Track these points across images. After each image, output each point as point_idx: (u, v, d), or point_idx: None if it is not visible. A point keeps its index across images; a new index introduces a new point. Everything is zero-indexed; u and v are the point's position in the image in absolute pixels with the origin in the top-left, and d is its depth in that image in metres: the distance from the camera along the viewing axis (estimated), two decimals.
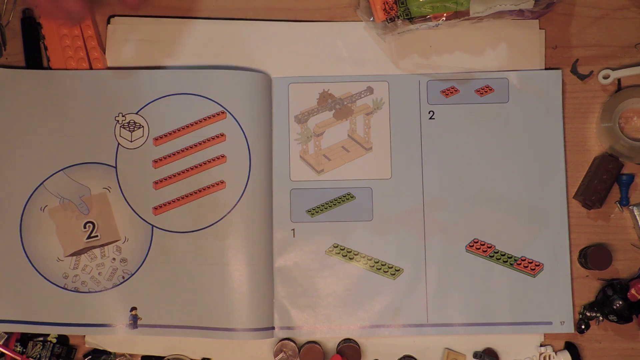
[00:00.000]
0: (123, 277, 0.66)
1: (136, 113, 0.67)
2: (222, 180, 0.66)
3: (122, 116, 0.67)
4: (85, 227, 0.66)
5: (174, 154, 0.66)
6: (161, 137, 0.67)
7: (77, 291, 0.66)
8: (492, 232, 0.67)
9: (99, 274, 0.66)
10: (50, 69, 0.68)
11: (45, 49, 0.68)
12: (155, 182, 0.66)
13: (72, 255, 0.66)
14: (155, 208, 0.66)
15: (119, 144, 0.66)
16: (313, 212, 0.67)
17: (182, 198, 0.66)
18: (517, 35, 0.68)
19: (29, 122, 0.67)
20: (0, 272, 0.66)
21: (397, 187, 0.67)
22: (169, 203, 0.66)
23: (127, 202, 0.66)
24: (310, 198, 0.67)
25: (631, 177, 0.67)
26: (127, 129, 0.67)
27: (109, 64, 0.69)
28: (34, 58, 0.69)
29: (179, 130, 0.67)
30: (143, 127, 0.67)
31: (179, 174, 0.66)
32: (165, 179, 0.66)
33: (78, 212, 0.67)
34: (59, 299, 0.66)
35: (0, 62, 0.70)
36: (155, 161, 0.67)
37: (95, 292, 0.66)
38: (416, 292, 0.66)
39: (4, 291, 0.66)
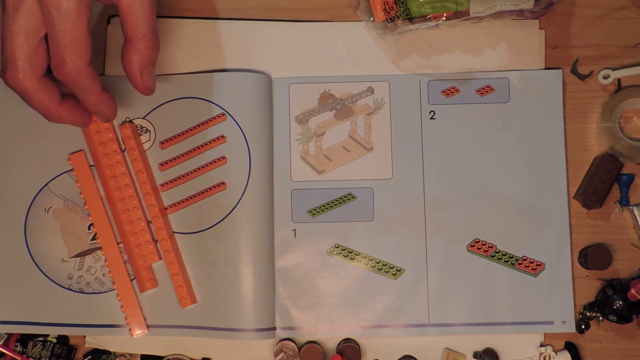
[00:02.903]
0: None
1: (143, 118, 0.68)
2: (223, 181, 0.67)
3: (129, 121, 0.69)
4: (89, 229, 0.68)
5: (178, 157, 0.68)
6: (167, 141, 0.68)
7: (82, 292, 0.67)
8: (493, 232, 0.68)
9: (103, 275, 0.68)
10: None
11: None
12: (161, 185, 0.68)
13: (76, 256, 0.68)
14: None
15: (125, 147, 0.68)
16: (314, 212, 0.69)
17: (186, 200, 0.68)
18: (517, 35, 0.70)
19: (33, 123, 0.68)
20: (5, 273, 0.67)
21: (398, 187, 0.69)
22: (174, 205, 0.68)
23: None
24: (311, 198, 0.69)
25: (631, 177, 0.68)
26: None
27: (109, 64, 0.70)
28: None
29: (183, 134, 0.68)
30: (150, 131, 0.68)
31: (182, 177, 0.68)
32: (170, 182, 0.68)
33: (82, 213, 0.68)
34: (64, 300, 0.67)
35: None
36: (162, 164, 0.68)
37: (100, 293, 0.67)
38: (417, 292, 0.68)
39: (9, 292, 0.67)
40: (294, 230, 0.68)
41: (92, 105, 0.60)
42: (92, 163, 0.68)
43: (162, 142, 0.68)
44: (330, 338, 0.68)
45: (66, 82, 0.57)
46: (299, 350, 0.67)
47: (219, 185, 0.67)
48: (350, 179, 0.69)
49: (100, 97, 0.60)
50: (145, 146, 0.68)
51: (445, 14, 0.65)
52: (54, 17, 0.54)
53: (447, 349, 0.68)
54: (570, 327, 0.67)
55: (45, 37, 0.56)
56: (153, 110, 0.69)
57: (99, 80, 0.59)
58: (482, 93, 0.69)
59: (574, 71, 0.70)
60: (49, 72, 0.58)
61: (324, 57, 0.70)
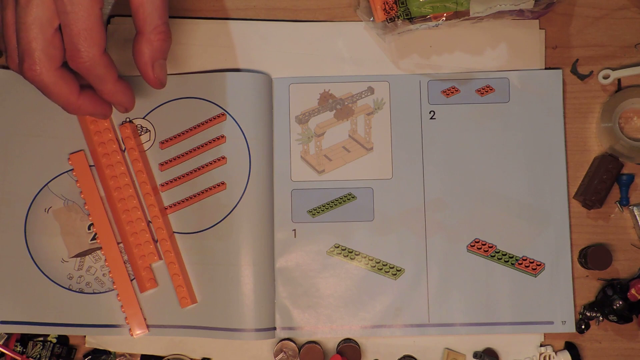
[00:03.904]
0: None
1: (143, 118, 0.69)
2: (223, 181, 0.67)
3: (129, 121, 0.69)
4: (89, 229, 0.68)
5: (178, 157, 0.68)
6: (167, 141, 0.68)
7: (82, 292, 0.67)
8: (493, 232, 0.68)
9: (103, 275, 0.68)
10: None
11: None
12: (161, 185, 0.68)
13: (76, 256, 0.68)
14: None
15: (125, 147, 0.68)
16: (314, 212, 0.69)
17: (186, 200, 0.68)
18: (517, 35, 0.70)
19: (33, 123, 0.69)
20: (5, 274, 0.67)
21: (398, 187, 0.69)
22: (174, 205, 0.68)
23: None
24: (311, 198, 0.69)
25: (631, 177, 0.69)
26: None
27: None
28: None
29: (183, 134, 0.68)
30: (150, 131, 0.68)
31: (183, 177, 0.68)
32: (170, 182, 0.68)
33: (82, 213, 0.68)
34: (64, 300, 0.67)
35: (1, 63, 0.71)
36: (162, 164, 0.68)
37: (100, 293, 0.67)
38: (417, 292, 0.68)
39: (9, 292, 0.67)
40: (294, 230, 0.68)
41: (110, 94, 0.60)
42: (92, 163, 0.68)
43: (162, 142, 0.69)
44: (330, 338, 0.68)
45: (82, 72, 0.57)
46: (299, 350, 0.67)
47: (219, 185, 0.67)
48: (350, 179, 0.69)
49: (117, 86, 0.60)
50: (145, 146, 0.69)
51: (445, 14, 0.65)
52: (67, 6, 0.54)
53: (447, 349, 0.68)
54: (570, 327, 0.67)
55: (60, 28, 0.56)
56: (153, 110, 0.69)
57: (115, 69, 0.59)
58: (482, 93, 0.69)
59: (574, 71, 0.70)
60: (66, 65, 0.58)
61: (324, 57, 0.70)
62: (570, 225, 0.69)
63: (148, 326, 0.67)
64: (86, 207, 0.68)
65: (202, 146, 0.68)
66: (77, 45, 0.55)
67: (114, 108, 0.64)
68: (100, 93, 0.60)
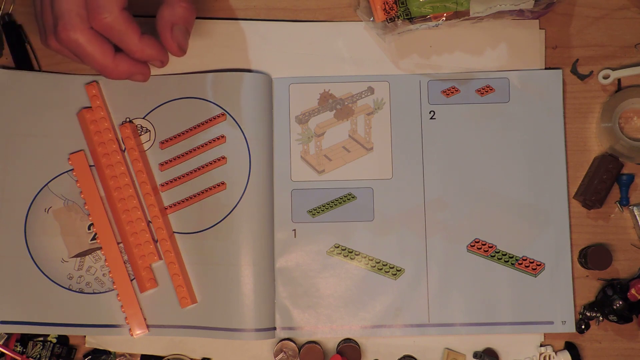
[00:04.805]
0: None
1: (143, 118, 0.68)
2: (223, 181, 0.67)
3: (130, 121, 0.69)
4: (89, 229, 0.68)
5: (178, 157, 0.68)
6: (167, 141, 0.68)
7: (82, 292, 0.67)
8: (493, 232, 0.68)
9: (103, 275, 0.68)
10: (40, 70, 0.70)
11: (33, 50, 0.70)
12: (161, 185, 0.68)
13: (76, 256, 0.68)
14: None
15: (125, 147, 0.68)
16: (314, 212, 0.69)
17: (186, 200, 0.68)
18: (517, 35, 0.70)
19: (33, 123, 0.69)
20: (5, 274, 0.67)
21: (398, 187, 0.69)
22: (174, 205, 0.68)
23: None
24: (311, 198, 0.69)
25: (631, 177, 0.69)
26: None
27: None
28: (23, 61, 0.70)
29: (183, 134, 0.68)
30: (150, 131, 0.68)
31: (183, 177, 0.68)
32: (170, 182, 0.68)
33: (82, 213, 0.68)
34: (64, 300, 0.67)
35: (0, 62, 0.70)
36: (162, 164, 0.68)
37: (100, 293, 0.67)
38: (417, 292, 0.68)
39: (9, 292, 0.67)
40: (294, 230, 0.68)
41: (138, 51, 0.61)
42: (92, 163, 0.68)
43: (162, 142, 0.69)
44: (330, 338, 0.68)
45: (105, 31, 0.58)
46: (299, 350, 0.67)
47: (219, 185, 0.67)
48: (350, 179, 0.69)
49: (142, 41, 0.61)
50: (145, 146, 0.69)
51: (445, 14, 0.65)
52: None
53: (447, 349, 0.68)
54: (570, 327, 0.67)
55: None
56: (153, 110, 0.69)
57: (137, 26, 0.60)
58: (482, 93, 0.69)
59: (574, 71, 0.70)
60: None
61: (324, 57, 0.70)
62: (570, 225, 0.69)
63: (148, 326, 0.67)
64: (86, 207, 0.68)
65: (202, 146, 0.68)
66: (98, 2, 0.57)
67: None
68: (129, 52, 0.61)
